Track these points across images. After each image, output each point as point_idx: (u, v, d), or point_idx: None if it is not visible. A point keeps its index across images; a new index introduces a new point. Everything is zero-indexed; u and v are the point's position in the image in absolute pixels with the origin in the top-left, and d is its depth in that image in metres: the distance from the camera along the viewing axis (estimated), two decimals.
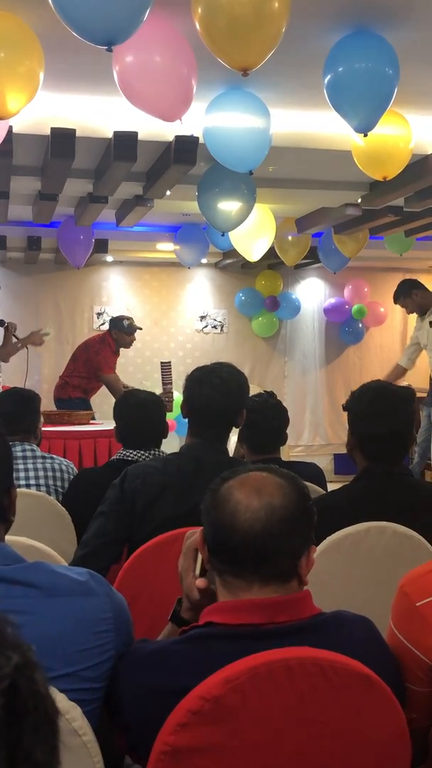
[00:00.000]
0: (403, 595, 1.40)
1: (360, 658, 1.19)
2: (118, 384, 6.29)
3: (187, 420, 2.40)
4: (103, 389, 6.63)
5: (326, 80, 3.01)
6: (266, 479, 1.31)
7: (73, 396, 6.31)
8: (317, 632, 1.25)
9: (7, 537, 1.40)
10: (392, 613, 1.43)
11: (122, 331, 6.43)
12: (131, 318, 6.66)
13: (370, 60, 2.95)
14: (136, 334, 6.57)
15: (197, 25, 2.52)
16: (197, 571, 1.41)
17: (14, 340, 6.11)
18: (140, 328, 6.70)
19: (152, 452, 2.91)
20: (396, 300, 6.35)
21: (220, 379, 2.36)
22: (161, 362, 6.29)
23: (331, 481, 3.30)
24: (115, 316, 6.86)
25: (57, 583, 1.27)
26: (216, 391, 2.33)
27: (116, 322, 6.51)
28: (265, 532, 1.25)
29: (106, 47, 2.34)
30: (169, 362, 6.26)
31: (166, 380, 6.14)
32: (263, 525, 1.25)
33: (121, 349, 6.66)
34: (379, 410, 2.25)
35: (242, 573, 1.27)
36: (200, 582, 1.39)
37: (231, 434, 2.49)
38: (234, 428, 2.45)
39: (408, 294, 6.23)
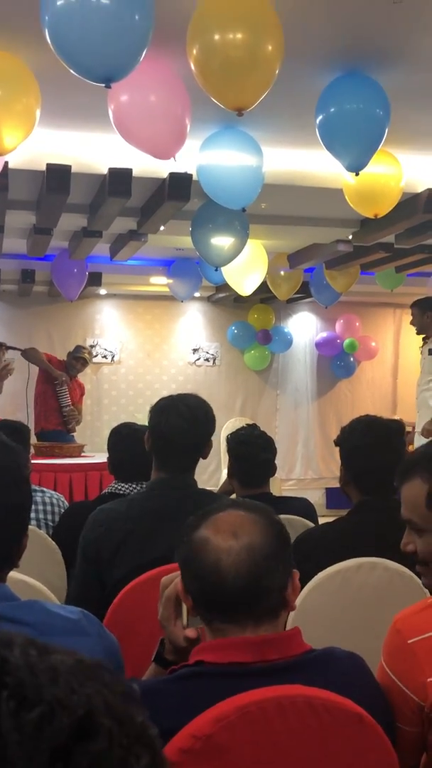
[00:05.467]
0: (395, 632, 1.38)
1: (350, 696, 1.18)
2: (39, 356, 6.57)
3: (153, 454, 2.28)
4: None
5: (318, 120, 3.06)
6: (237, 518, 1.27)
7: (46, 428, 6.43)
8: (307, 669, 1.24)
9: None
10: (383, 650, 1.41)
11: (71, 354, 6.81)
12: (84, 347, 6.99)
13: (361, 101, 3.01)
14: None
15: (192, 66, 2.57)
16: (185, 621, 1.37)
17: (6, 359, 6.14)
18: (87, 350, 7.00)
19: (143, 485, 2.90)
20: (413, 305, 6.07)
21: (187, 407, 2.24)
22: None
23: (322, 516, 3.30)
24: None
25: (49, 622, 1.25)
26: (183, 419, 2.21)
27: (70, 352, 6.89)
28: (252, 575, 1.22)
29: (104, 84, 2.38)
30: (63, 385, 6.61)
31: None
32: (248, 568, 1.22)
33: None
34: (372, 443, 2.26)
35: (235, 619, 1.24)
36: (191, 632, 1.36)
37: (222, 467, 2.44)
38: (201, 459, 2.31)
39: (424, 311, 6.01)
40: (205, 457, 2.32)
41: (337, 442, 2.36)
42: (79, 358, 6.73)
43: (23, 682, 0.45)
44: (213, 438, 2.34)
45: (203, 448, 2.28)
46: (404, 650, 1.35)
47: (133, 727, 0.47)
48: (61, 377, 6.48)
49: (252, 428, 3.13)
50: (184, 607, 1.36)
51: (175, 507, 2.12)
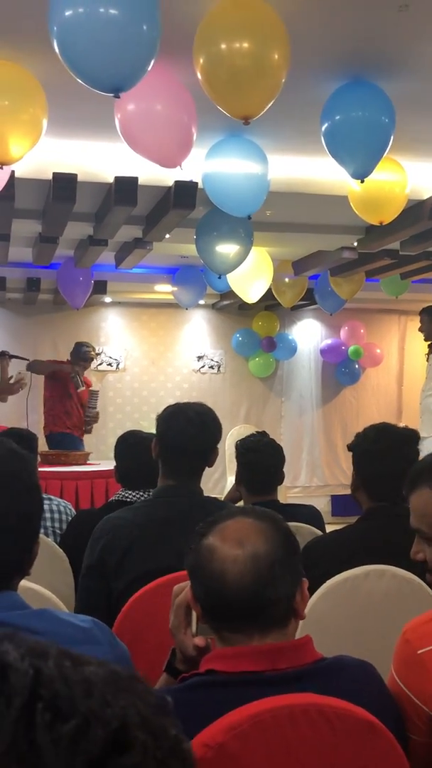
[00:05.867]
0: (404, 642, 1.38)
1: (362, 704, 1.17)
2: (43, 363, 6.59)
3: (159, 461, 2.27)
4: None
5: (324, 128, 3.07)
6: (245, 526, 1.27)
7: (55, 431, 6.43)
8: (319, 678, 1.24)
9: None
10: (394, 660, 1.41)
11: (73, 354, 6.77)
12: (85, 344, 6.92)
13: (366, 109, 3.02)
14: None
15: (199, 75, 2.58)
16: (194, 629, 1.37)
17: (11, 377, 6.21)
18: (91, 346, 6.93)
19: (150, 493, 2.90)
20: (422, 312, 6.08)
21: (195, 413, 2.25)
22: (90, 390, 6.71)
23: (328, 523, 3.29)
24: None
25: (59, 630, 1.25)
26: (192, 425, 2.22)
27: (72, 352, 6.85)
28: (257, 584, 1.22)
29: (113, 94, 2.39)
30: (97, 391, 6.83)
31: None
32: (253, 577, 1.22)
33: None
34: (383, 448, 2.26)
35: (241, 628, 1.24)
36: (199, 641, 1.35)
37: (227, 475, 2.42)
38: (207, 467, 2.31)
39: None
40: (210, 465, 2.32)
41: (350, 447, 2.36)
42: (85, 359, 6.70)
43: (58, 694, 0.45)
44: (218, 446, 2.35)
45: (210, 454, 2.29)
46: (414, 660, 1.34)
47: (167, 740, 0.47)
48: (74, 368, 6.48)
49: (261, 435, 3.14)
50: (194, 616, 1.36)
51: (181, 514, 2.12)
